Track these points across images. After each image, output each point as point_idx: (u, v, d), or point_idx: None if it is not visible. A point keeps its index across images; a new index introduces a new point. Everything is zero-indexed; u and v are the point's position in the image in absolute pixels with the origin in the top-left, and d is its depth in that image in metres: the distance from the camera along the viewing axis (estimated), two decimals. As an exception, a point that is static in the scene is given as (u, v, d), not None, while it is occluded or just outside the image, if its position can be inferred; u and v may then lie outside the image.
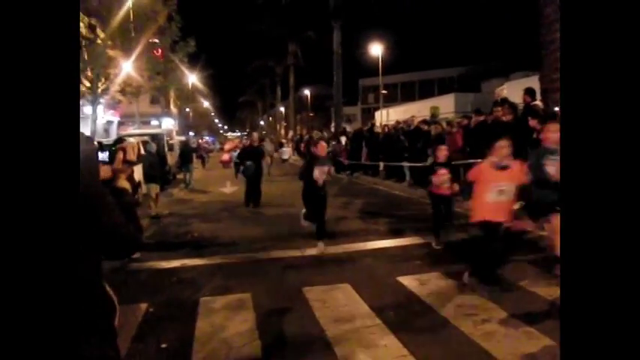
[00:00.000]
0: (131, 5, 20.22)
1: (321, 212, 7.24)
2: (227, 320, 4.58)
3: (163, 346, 4.09)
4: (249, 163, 11.48)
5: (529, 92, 9.18)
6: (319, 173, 7.04)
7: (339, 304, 4.89)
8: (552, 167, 4.87)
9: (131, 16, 20.91)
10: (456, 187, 6.72)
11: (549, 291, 4.81)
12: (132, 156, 1.73)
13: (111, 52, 19.67)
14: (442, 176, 6.79)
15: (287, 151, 23.06)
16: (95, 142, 1.32)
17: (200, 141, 39.53)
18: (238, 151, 19.12)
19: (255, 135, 13.22)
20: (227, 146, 28.97)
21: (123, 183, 1.71)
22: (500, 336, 3.93)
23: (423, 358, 3.66)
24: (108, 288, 1.54)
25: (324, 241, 7.14)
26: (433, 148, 8.33)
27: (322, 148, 7.46)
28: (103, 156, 1.60)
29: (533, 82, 10.26)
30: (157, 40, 23.92)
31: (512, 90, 16.15)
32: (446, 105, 24.02)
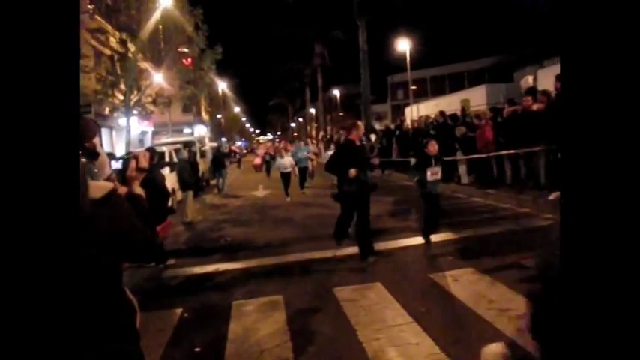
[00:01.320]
0: (159, 18, 20.69)
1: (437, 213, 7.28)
2: (259, 322, 4.63)
3: (197, 349, 4.17)
4: (352, 172, 6.36)
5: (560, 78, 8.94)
6: (431, 174, 7.03)
7: (370, 303, 4.87)
8: None
9: (160, 29, 21.43)
10: None
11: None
12: (144, 163, 1.81)
13: (142, 65, 20.19)
14: None
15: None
16: (82, 159, 1.38)
17: (232, 147, 40.00)
18: (313, 149, 17.92)
19: (361, 126, 7.70)
20: (260, 151, 29.32)
21: (137, 189, 1.78)
22: (536, 331, 3.83)
23: (456, 356, 3.60)
24: (127, 291, 1.60)
25: None
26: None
27: (434, 147, 7.13)
28: (116, 165, 1.68)
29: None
30: (186, 50, 24.38)
31: (545, 77, 15.71)
32: (477, 97, 23.47)
